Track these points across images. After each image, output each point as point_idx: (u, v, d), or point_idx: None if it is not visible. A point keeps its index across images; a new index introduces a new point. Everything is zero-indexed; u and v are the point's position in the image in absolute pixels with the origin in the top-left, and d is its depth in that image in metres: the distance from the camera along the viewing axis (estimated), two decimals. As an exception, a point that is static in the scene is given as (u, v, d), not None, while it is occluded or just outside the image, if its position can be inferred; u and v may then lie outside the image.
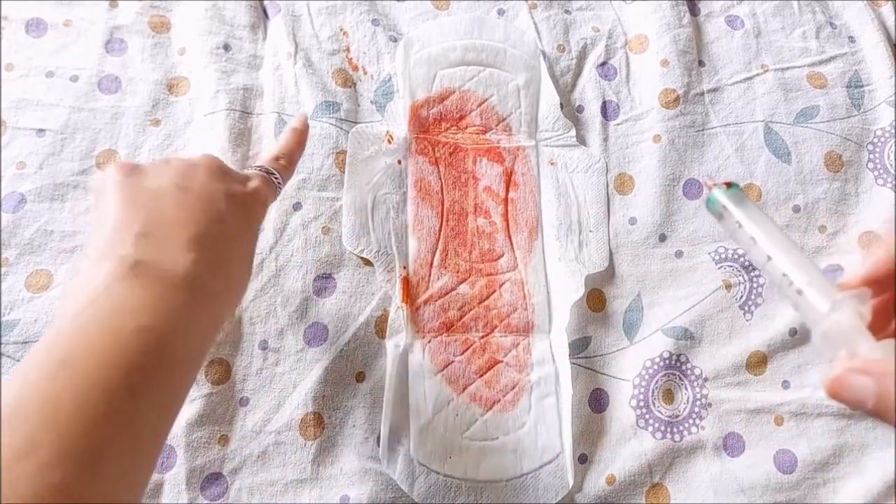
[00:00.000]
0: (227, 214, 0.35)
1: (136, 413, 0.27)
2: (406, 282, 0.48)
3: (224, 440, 0.43)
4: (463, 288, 0.49)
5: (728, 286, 0.50)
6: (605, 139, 0.54)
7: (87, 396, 0.25)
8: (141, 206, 0.32)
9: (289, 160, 0.42)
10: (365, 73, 0.54)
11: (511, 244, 0.51)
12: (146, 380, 0.27)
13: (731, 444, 0.47)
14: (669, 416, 0.47)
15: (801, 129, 0.55)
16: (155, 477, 0.41)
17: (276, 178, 0.40)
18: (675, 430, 0.47)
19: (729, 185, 0.35)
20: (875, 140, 0.55)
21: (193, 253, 0.31)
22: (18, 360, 0.43)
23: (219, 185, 0.35)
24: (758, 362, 0.49)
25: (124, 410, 0.26)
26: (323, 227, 0.49)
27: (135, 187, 0.33)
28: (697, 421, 0.47)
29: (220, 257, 0.33)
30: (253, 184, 0.38)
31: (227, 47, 0.53)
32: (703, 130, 0.55)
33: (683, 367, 0.48)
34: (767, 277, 0.32)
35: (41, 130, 0.49)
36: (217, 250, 0.33)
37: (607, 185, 0.53)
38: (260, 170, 0.40)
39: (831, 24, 0.60)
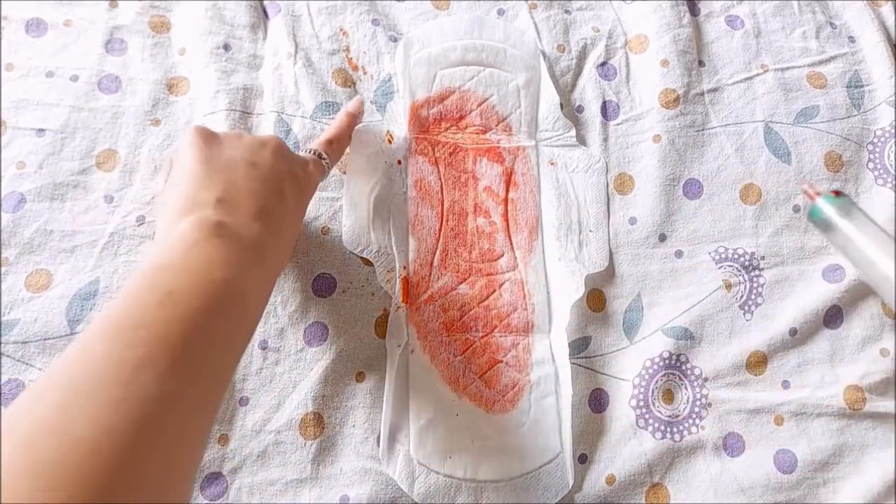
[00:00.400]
0: (287, 193, 0.39)
1: (220, 348, 0.31)
2: (406, 282, 0.48)
3: (224, 439, 0.43)
4: (463, 288, 0.49)
5: (728, 286, 0.50)
6: (605, 139, 0.54)
7: (191, 323, 0.29)
8: (218, 172, 0.37)
9: (339, 143, 0.47)
10: (365, 72, 0.54)
11: (511, 244, 0.51)
12: (226, 323, 0.31)
13: (731, 444, 0.47)
14: (669, 416, 0.47)
15: (801, 129, 0.55)
16: (155, 477, 0.41)
17: (326, 161, 0.45)
18: (674, 429, 0.47)
19: (837, 193, 0.30)
20: (875, 140, 0.55)
21: (260, 223, 0.35)
22: (18, 360, 0.43)
23: (282, 166, 0.40)
24: (758, 362, 0.49)
25: (215, 342, 0.30)
26: (323, 228, 0.49)
27: (212, 154, 0.37)
28: (697, 421, 0.47)
29: (278, 229, 0.37)
30: (309, 168, 0.42)
31: (227, 47, 0.53)
32: (703, 130, 0.55)
33: (683, 367, 0.48)
34: (884, 297, 0.28)
35: (41, 130, 0.49)
36: (276, 223, 0.37)
37: (607, 185, 0.53)
38: (314, 153, 0.44)
39: (831, 24, 0.60)
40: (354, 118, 0.49)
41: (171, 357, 0.27)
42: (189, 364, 0.28)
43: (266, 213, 0.36)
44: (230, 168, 0.37)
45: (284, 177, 0.39)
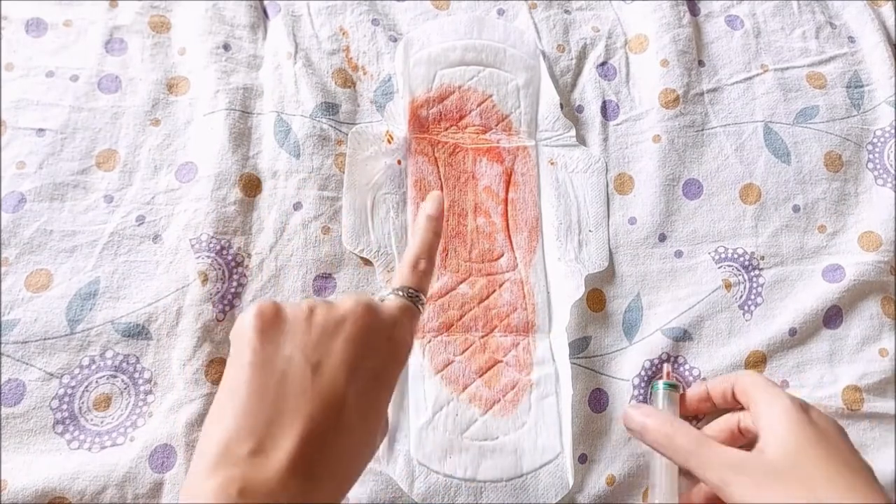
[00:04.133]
0: (360, 395, 0.32)
1: None
2: (406, 282, 0.48)
3: (224, 440, 0.43)
4: (463, 288, 0.49)
5: (728, 286, 0.51)
6: (605, 139, 0.54)
7: None
8: (262, 399, 0.30)
9: (430, 258, 0.38)
10: (365, 73, 0.54)
11: (511, 244, 0.51)
12: None
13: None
14: (669, 416, 0.47)
15: (800, 129, 0.55)
16: (155, 477, 0.41)
17: (418, 297, 0.36)
18: (674, 429, 0.47)
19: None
20: (875, 140, 0.55)
21: (297, 479, 0.29)
22: (18, 360, 0.43)
23: (356, 355, 0.32)
24: (757, 362, 0.49)
25: None
26: (323, 227, 0.49)
27: (265, 361, 0.31)
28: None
29: (324, 470, 0.30)
30: (397, 332, 0.34)
31: (227, 47, 0.53)
32: (702, 130, 0.55)
33: (682, 368, 0.49)
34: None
35: (41, 130, 0.49)
36: (324, 462, 0.30)
37: (607, 185, 0.53)
38: (402, 294, 0.36)
39: (831, 24, 0.60)
40: (437, 221, 0.40)
41: None
42: None
43: (311, 453, 0.30)
44: (281, 385, 0.30)
45: (357, 375, 0.32)
